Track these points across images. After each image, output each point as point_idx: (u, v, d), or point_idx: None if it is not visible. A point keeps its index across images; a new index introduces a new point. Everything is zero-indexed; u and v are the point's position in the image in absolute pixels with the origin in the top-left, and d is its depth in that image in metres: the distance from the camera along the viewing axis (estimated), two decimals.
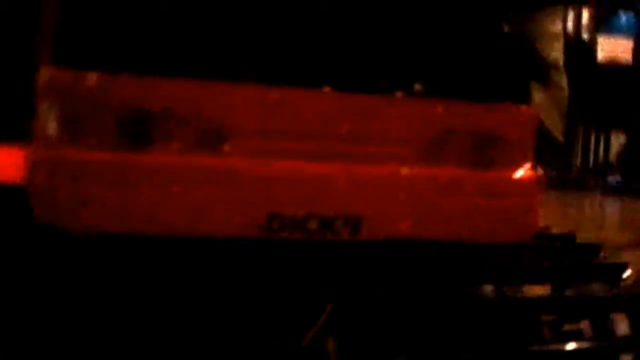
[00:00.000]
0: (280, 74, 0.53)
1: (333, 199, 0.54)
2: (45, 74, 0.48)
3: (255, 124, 0.53)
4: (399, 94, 0.53)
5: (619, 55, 4.75)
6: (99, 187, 0.48)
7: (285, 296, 0.59)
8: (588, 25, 4.79)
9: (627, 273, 0.94)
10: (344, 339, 0.62)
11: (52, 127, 0.47)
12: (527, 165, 0.59)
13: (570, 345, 0.73)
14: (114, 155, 0.48)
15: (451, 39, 0.58)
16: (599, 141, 4.88)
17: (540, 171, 0.62)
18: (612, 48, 4.44)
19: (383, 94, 0.55)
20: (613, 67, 4.60)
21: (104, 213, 0.49)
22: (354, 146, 0.54)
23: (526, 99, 0.59)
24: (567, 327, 0.87)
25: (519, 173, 0.58)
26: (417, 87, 0.53)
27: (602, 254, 0.96)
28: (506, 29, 0.61)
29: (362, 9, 0.55)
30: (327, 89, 0.52)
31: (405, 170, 0.54)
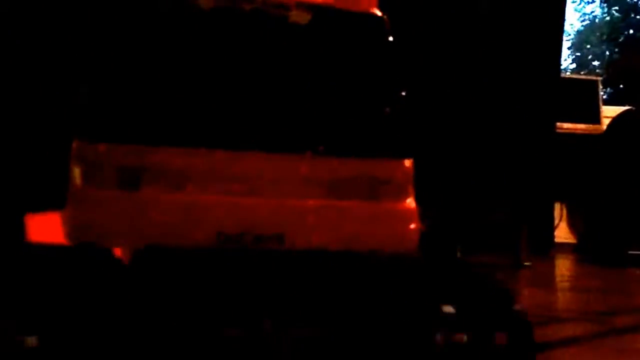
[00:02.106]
0: (231, 141, 0.76)
1: (264, 222, 0.77)
2: (75, 147, 0.73)
3: (210, 173, 0.76)
4: (308, 153, 0.75)
5: None
6: (107, 211, 0.72)
7: (234, 288, 0.80)
8: None
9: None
10: (280, 319, 0.82)
11: (78, 177, 0.72)
12: (407, 199, 0.80)
13: None
14: (114, 193, 0.72)
15: (350, 114, 0.80)
16: None
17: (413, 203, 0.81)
18: None
19: (300, 153, 0.77)
20: None
21: (109, 230, 0.72)
22: (279, 187, 0.77)
23: (407, 154, 0.80)
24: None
25: (400, 204, 0.79)
26: (321, 148, 0.76)
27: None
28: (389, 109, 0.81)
29: (279, 91, 0.77)
30: (258, 152, 0.75)
31: (314, 202, 0.76)
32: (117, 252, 0.81)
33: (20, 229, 0.96)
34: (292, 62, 0.80)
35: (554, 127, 2.33)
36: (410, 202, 0.80)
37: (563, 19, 2.03)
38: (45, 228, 0.86)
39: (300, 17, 0.77)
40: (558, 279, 3.27)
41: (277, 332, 0.84)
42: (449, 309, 0.82)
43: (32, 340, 0.77)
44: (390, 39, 0.81)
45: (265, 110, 0.79)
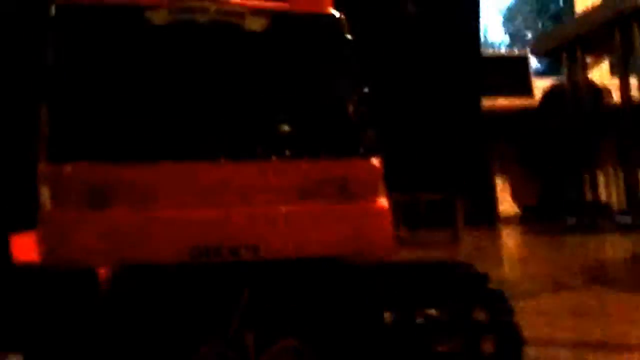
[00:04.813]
0: (197, 152, 0.76)
1: (238, 233, 0.77)
2: (40, 168, 0.72)
3: (179, 186, 0.75)
4: (274, 159, 0.76)
5: None
6: (78, 232, 0.71)
7: (210, 297, 0.80)
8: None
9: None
10: (261, 332, 0.83)
11: (47, 198, 0.71)
12: (378, 197, 0.81)
13: None
14: (84, 213, 0.71)
15: (314, 116, 0.80)
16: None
17: (385, 201, 0.83)
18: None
19: (267, 159, 0.77)
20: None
21: (81, 250, 0.71)
22: (250, 195, 0.77)
23: (374, 152, 0.81)
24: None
25: (372, 203, 0.79)
26: (287, 153, 0.76)
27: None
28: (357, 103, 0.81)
29: (241, 99, 0.77)
30: (225, 160, 0.75)
31: (285, 209, 0.76)
32: (97, 273, 0.80)
33: (5, 249, 0.95)
34: (251, 70, 0.79)
35: (479, 102, 2.39)
36: (383, 201, 0.81)
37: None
38: (30, 247, 0.85)
39: (255, 23, 0.77)
40: (492, 249, 3.34)
41: (258, 345, 0.84)
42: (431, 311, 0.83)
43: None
44: (349, 37, 0.81)
45: (229, 119, 0.79)
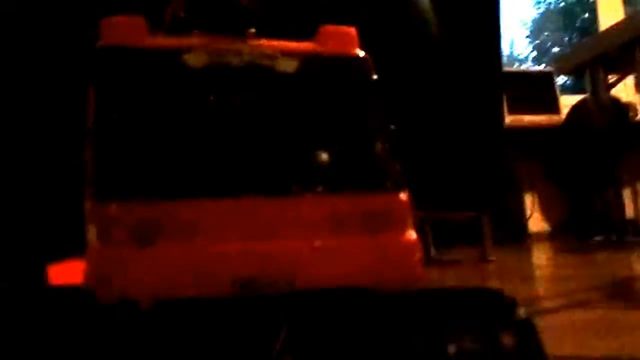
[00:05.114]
0: (235, 189, 0.79)
1: (275, 266, 0.79)
2: (87, 207, 0.75)
3: (220, 222, 0.78)
4: (307, 195, 0.78)
5: None
6: (124, 268, 0.74)
7: (249, 329, 0.83)
8: None
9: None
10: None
11: (94, 237, 0.74)
12: (406, 229, 0.83)
13: None
14: (130, 250, 0.74)
15: (344, 153, 0.83)
16: None
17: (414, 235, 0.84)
18: None
19: (300, 195, 0.80)
20: None
21: (127, 287, 0.75)
22: (285, 229, 0.80)
23: (400, 186, 0.83)
24: None
25: (399, 235, 0.82)
26: (319, 189, 0.79)
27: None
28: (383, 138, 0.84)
29: (275, 138, 0.81)
30: (261, 197, 0.78)
31: (319, 242, 0.79)
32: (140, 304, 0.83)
33: (41, 277, 0.97)
34: (283, 109, 0.82)
35: (502, 120, 2.40)
36: (410, 233, 0.83)
37: (498, 15, 2.09)
38: (69, 276, 0.88)
39: (287, 65, 0.80)
40: (520, 267, 3.34)
41: None
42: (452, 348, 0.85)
43: None
44: (375, 77, 0.83)
45: (264, 157, 0.82)
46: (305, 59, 0.85)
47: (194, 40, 0.80)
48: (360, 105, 0.90)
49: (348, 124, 0.90)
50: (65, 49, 1.19)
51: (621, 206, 4.01)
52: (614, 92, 3.98)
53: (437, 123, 1.96)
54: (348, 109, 0.90)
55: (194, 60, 0.81)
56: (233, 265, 0.80)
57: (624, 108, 4.07)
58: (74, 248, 0.82)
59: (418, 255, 0.86)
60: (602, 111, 3.85)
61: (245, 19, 0.83)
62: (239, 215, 0.79)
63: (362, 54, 0.87)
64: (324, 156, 0.87)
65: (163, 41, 0.81)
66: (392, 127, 0.87)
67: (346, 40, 0.88)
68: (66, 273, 0.94)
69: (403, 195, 0.86)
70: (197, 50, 0.81)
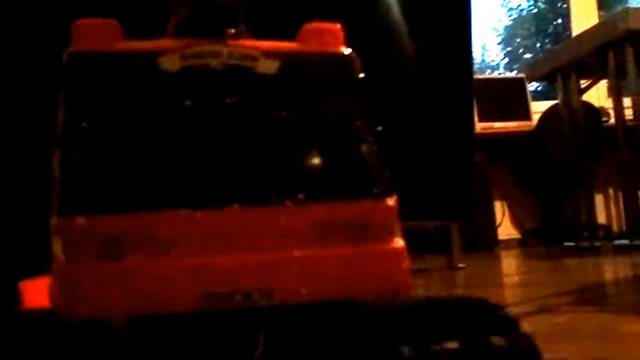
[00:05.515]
0: (209, 199, 0.74)
1: (251, 278, 0.75)
2: (53, 222, 0.70)
3: (192, 234, 0.74)
4: (288, 203, 0.74)
5: None
6: (91, 284, 0.69)
7: (224, 344, 0.78)
8: None
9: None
10: None
11: (59, 252, 0.69)
12: (394, 237, 0.78)
13: None
14: (97, 265, 0.69)
15: (327, 158, 0.79)
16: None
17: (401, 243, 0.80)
18: None
19: (279, 203, 0.76)
20: None
21: (95, 303, 0.70)
22: (262, 240, 0.75)
23: (388, 192, 0.79)
24: None
25: (386, 245, 0.77)
26: (300, 196, 0.75)
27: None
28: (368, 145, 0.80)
29: (253, 143, 0.77)
30: (236, 206, 0.74)
31: (298, 253, 0.74)
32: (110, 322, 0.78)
33: (14, 297, 0.92)
34: (263, 113, 0.77)
35: (473, 127, 2.39)
36: (398, 242, 0.78)
37: (469, 22, 2.07)
38: (42, 293, 0.83)
39: (268, 66, 0.75)
40: (490, 274, 3.37)
41: None
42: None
43: None
44: (361, 75, 0.79)
45: (241, 164, 0.77)
46: (288, 59, 0.80)
47: (169, 42, 0.76)
48: (346, 105, 0.86)
49: (332, 126, 0.85)
50: (46, 53, 1.14)
51: (592, 212, 4.04)
52: (585, 97, 3.98)
53: (406, 131, 1.92)
54: (333, 110, 0.85)
55: (168, 63, 0.76)
56: (206, 278, 0.75)
57: (596, 113, 4.09)
58: (49, 263, 0.77)
59: (406, 264, 0.82)
60: (573, 117, 3.86)
61: (224, 19, 0.79)
62: (214, 226, 0.75)
63: (347, 51, 0.82)
64: (305, 162, 0.82)
65: (136, 45, 0.76)
66: (379, 128, 0.83)
67: (331, 38, 0.84)
68: (40, 290, 0.88)
69: (390, 201, 0.82)
70: (171, 53, 0.76)
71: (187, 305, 0.75)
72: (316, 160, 0.82)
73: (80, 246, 0.72)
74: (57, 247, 0.71)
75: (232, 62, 0.79)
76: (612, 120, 3.90)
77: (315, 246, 0.80)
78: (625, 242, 3.75)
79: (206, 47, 0.80)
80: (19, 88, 1.23)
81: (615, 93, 3.62)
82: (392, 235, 0.81)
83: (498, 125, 4.39)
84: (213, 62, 0.78)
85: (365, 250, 0.80)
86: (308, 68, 0.85)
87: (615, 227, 4.40)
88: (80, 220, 0.72)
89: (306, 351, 0.80)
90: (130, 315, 0.74)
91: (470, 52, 2.35)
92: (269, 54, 0.80)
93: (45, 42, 1.19)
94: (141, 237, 0.73)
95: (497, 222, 4.66)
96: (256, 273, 0.78)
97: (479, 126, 4.00)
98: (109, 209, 0.74)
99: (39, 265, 0.86)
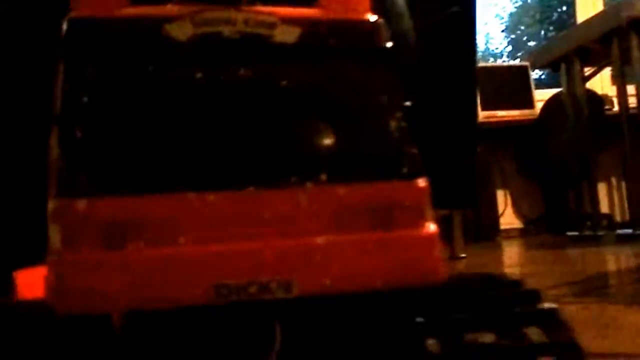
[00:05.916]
0: (223, 180, 0.68)
1: (268, 268, 0.68)
2: (52, 203, 0.64)
3: (203, 219, 0.67)
4: (308, 185, 0.67)
5: None
6: (91, 275, 0.63)
7: (238, 341, 0.72)
8: None
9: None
10: None
11: (57, 238, 0.63)
12: (425, 222, 0.71)
13: None
14: (98, 254, 0.63)
15: (352, 135, 0.72)
16: None
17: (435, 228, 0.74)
18: None
19: (300, 185, 0.69)
20: None
21: (95, 296, 0.64)
22: (281, 226, 0.69)
23: (418, 172, 0.72)
24: None
25: (417, 231, 0.71)
26: (322, 177, 0.68)
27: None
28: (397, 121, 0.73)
29: (270, 119, 0.70)
30: (251, 188, 0.67)
31: (320, 240, 0.68)
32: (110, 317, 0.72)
33: (7, 287, 0.87)
34: (282, 86, 0.71)
35: (476, 116, 2.34)
36: (429, 227, 0.71)
37: (473, 9, 2.01)
38: (36, 283, 0.77)
39: (286, 35, 0.68)
40: (493, 264, 3.33)
41: None
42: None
43: None
44: (389, 45, 0.72)
45: (258, 142, 0.70)
46: (309, 26, 0.72)
47: (179, 9, 0.68)
48: (372, 77, 0.78)
49: (357, 101, 0.77)
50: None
51: (595, 201, 3.97)
52: (589, 85, 3.91)
53: (409, 119, 1.81)
54: (357, 84, 0.77)
55: (178, 31, 0.69)
56: (217, 269, 0.68)
57: (600, 101, 4.02)
58: (44, 252, 0.71)
59: (439, 251, 0.75)
60: (576, 105, 3.80)
61: None
62: (226, 211, 0.68)
63: (373, 18, 0.74)
64: (329, 139, 0.75)
65: (142, 10, 0.68)
66: (409, 103, 0.76)
67: (355, 3, 0.76)
68: (36, 280, 0.82)
69: (421, 182, 0.73)
70: (181, 19, 0.69)
71: (196, 298, 0.67)
72: (340, 138, 0.75)
73: (80, 233, 0.64)
74: (54, 234, 0.64)
75: (248, 30, 0.72)
76: (616, 108, 3.82)
77: (339, 233, 0.72)
78: (628, 231, 3.69)
79: (219, 13, 0.72)
80: (11, 62, 1.17)
81: (620, 81, 3.54)
82: (423, 219, 0.73)
83: (501, 113, 4.32)
84: (227, 30, 0.71)
85: (393, 237, 0.72)
86: (331, 36, 0.77)
87: (618, 217, 4.33)
88: (81, 204, 0.65)
89: (327, 350, 0.74)
90: (131, 310, 0.67)
91: (474, 39, 2.28)
92: (288, 21, 0.72)
93: (42, 7, 1.12)
94: (146, 223, 0.66)
95: (500, 211, 4.59)
96: (273, 262, 0.71)
97: (482, 114, 3.93)
98: (111, 192, 0.66)
99: (35, 255, 0.80)
